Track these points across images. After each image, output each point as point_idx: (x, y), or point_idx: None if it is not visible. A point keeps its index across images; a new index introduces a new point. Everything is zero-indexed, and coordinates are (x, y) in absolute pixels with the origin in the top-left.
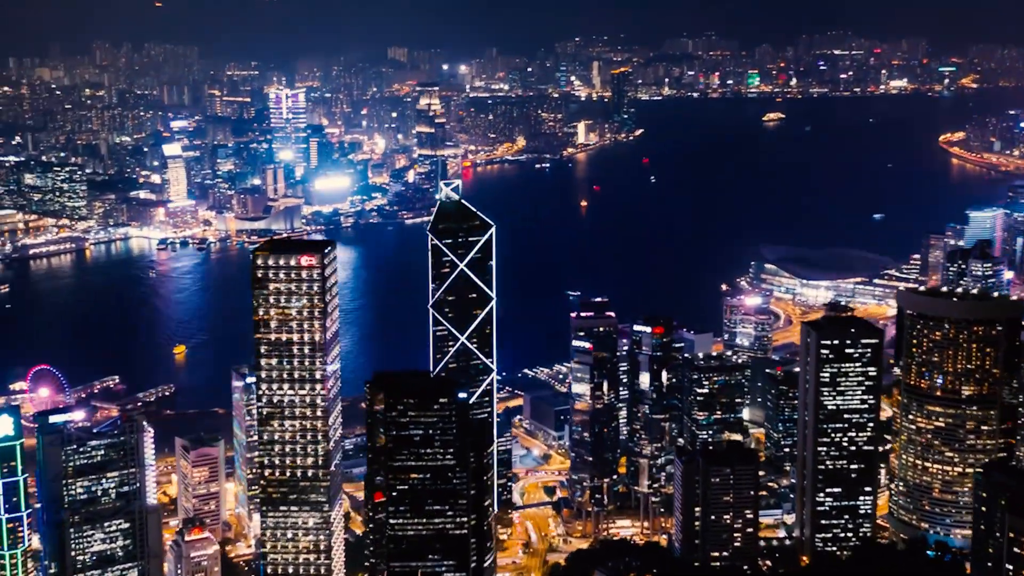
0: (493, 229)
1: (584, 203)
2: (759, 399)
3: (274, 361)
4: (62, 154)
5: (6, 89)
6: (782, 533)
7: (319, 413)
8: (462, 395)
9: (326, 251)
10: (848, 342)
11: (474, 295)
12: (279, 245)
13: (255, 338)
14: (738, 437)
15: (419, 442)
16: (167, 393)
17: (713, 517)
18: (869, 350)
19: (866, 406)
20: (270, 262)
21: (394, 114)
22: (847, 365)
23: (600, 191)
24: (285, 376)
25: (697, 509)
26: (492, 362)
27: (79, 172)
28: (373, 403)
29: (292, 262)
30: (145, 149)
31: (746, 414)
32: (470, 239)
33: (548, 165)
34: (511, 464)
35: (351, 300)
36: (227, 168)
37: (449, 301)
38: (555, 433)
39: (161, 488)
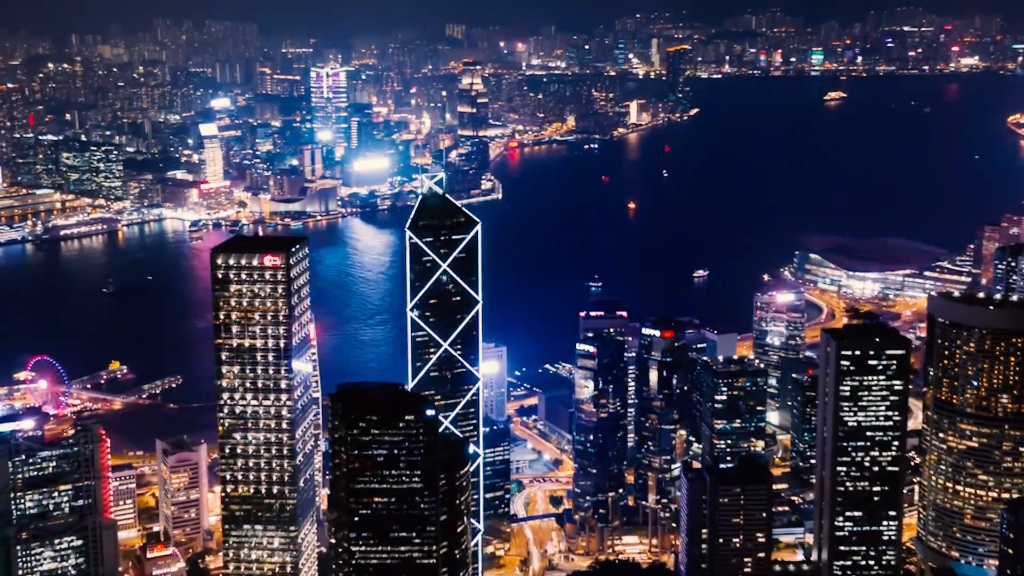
0: (479, 227)
1: (632, 205)
2: (788, 402)
3: (236, 369)
4: (107, 132)
5: (64, 66)
6: (800, 556)
7: (285, 426)
8: (430, 412)
9: (293, 249)
10: (871, 353)
11: (458, 297)
12: (242, 243)
13: (215, 344)
14: (760, 445)
15: (383, 463)
16: (174, 385)
17: (721, 540)
18: (894, 362)
19: (891, 423)
20: (231, 261)
21: (444, 93)
22: (870, 378)
23: (608, 181)
24: (248, 385)
25: (704, 531)
26: (477, 370)
27: (116, 151)
28: (334, 419)
29: (255, 262)
30: (189, 128)
31: (775, 418)
32: (453, 237)
33: (596, 146)
34: (509, 474)
35: (370, 290)
36: (266, 148)
37: (431, 304)
38: (568, 436)
39: (150, 490)
